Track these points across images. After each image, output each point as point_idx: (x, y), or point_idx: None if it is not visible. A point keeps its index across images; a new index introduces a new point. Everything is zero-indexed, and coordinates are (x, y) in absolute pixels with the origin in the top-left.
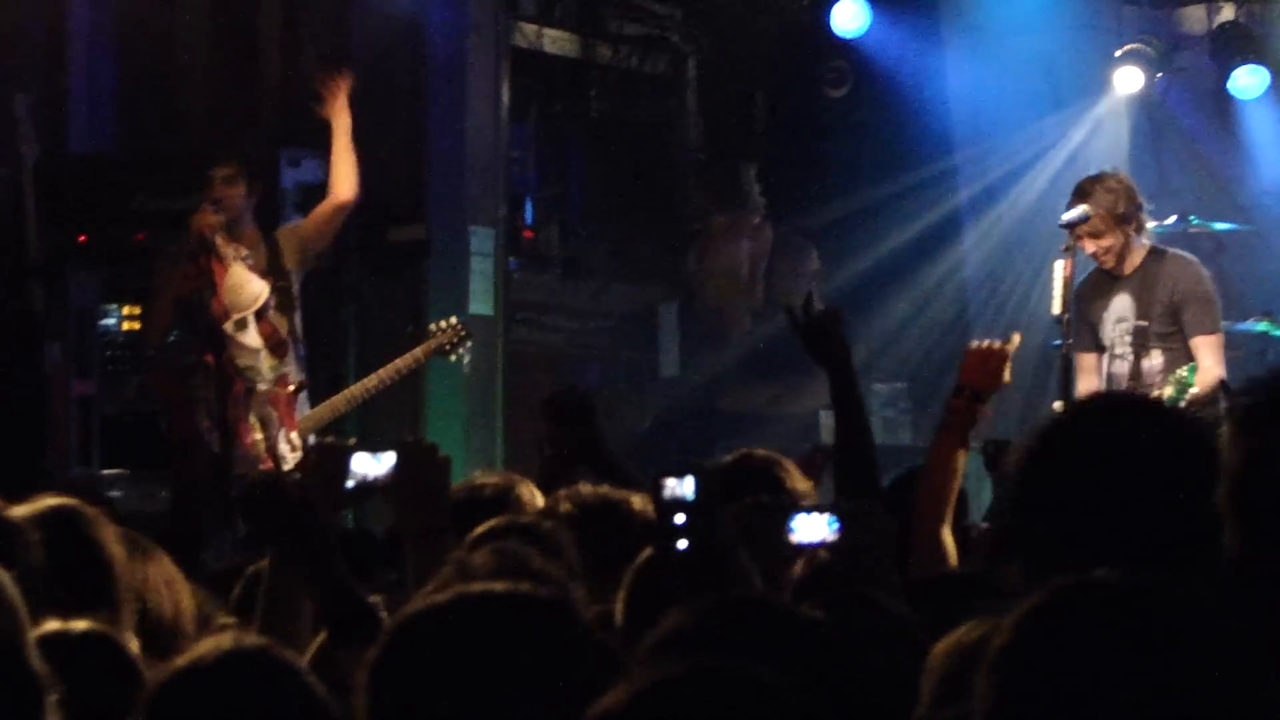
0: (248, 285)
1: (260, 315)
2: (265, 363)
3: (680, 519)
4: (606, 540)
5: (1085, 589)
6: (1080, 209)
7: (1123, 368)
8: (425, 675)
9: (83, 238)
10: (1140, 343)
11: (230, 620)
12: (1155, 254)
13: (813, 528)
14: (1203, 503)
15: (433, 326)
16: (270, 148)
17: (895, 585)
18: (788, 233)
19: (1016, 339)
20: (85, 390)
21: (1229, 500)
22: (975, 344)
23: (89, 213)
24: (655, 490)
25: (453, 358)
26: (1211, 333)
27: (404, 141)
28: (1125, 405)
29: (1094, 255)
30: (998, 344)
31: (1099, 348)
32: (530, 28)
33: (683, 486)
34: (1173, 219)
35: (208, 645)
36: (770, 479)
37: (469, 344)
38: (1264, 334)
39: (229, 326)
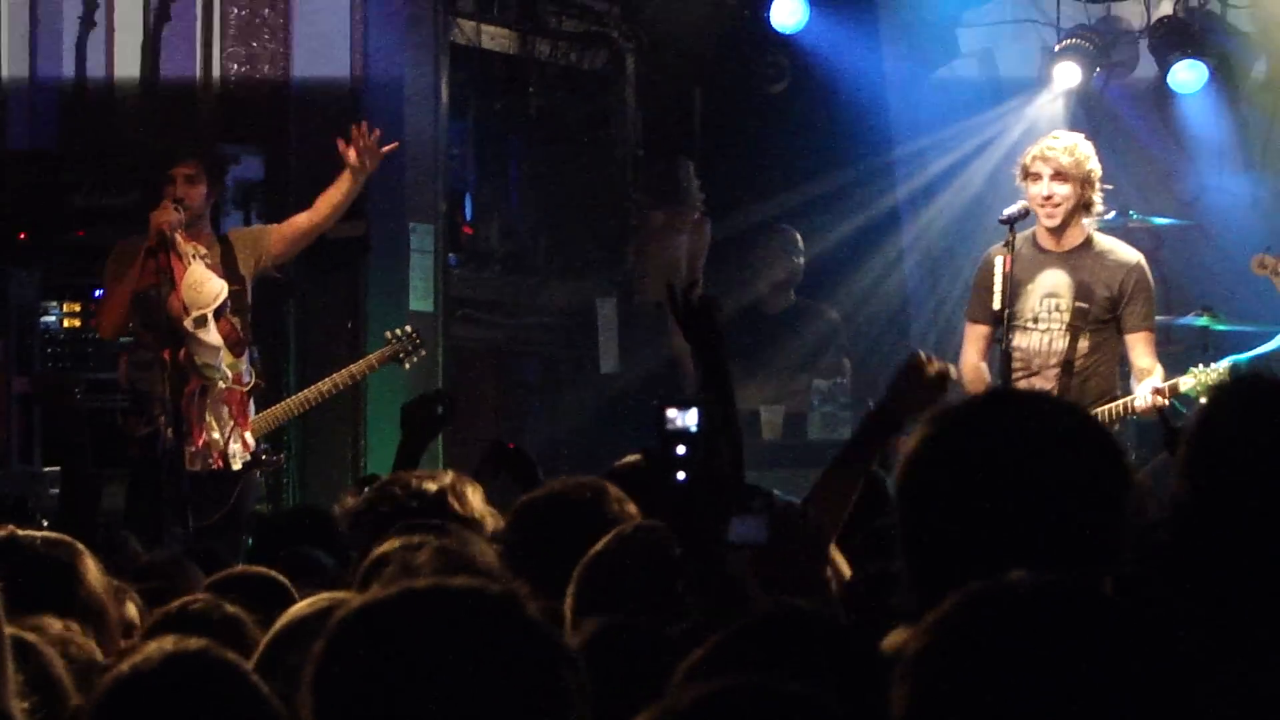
0: (207, 283)
1: (219, 314)
2: (225, 361)
3: (681, 450)
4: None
5: (1002, 591)
6: (1020, 204)
7: (1044, 343)
8: (372, 672)
9: (22, 235)
10: (1078, 324)
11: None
12: (1097, 239)
13: (747, 528)
14: (1098, 503)
15: (388, 334)
16: (210, 144)
17: (823, 586)
18: (735, 223)
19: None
20: (25, 388)
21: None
22: (922, 358)
23: (29, 210)
24: (658, 422)
25: (406, 365)
26: (1153, 329)
27: (343, 138)
28: (1013, 402)
29: (1043, 201)
30: (943, 367)
31: (995, 321)
32: (468, 24)
33: (685, 418)
34: (1112, 213)
35: (151, 648)
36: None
37: (422, 352)
38: (1204, 329)
39: (188, 323)
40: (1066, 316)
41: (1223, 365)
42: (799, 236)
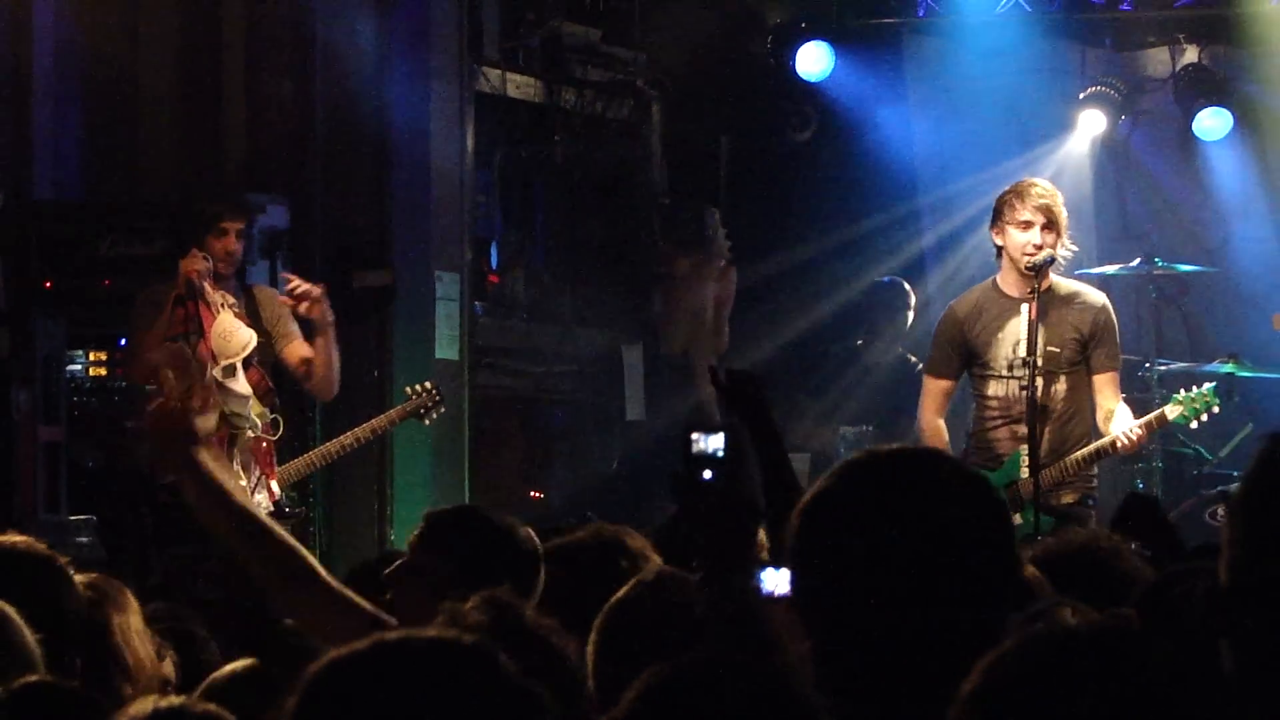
0: (236, 333)
1: (248, 363)
2: (254, 410)
3: (707, 474)
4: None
5: (1056, 637)
6: (1047, 252)
7: (1018, 390)
8: None
9: (48, 284)
10: (1051, 368)
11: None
12: (1059, 283)
13: (778, 581)
14: (985, 550)
15: (408, 390)
16: (238, 192)
17: None
18: (761, 271)
19: None
20: (52, 436)
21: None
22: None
23: (54, 259)
24: (684, 445)
25: (426, 421)
26: (1118, 369)
27: (369, 187)
28: (904, 458)
29: (1033, 250)
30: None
31: (955, 375)
32: (494, 72)
33: (711, 442)
34: (1137, 261)
35: (135, 709)
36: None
37: (443, 409)
38: (1229, 375)
39: (217, 373)
40: (1038, 362)
41: (1206, 388)
42: (909, 289)
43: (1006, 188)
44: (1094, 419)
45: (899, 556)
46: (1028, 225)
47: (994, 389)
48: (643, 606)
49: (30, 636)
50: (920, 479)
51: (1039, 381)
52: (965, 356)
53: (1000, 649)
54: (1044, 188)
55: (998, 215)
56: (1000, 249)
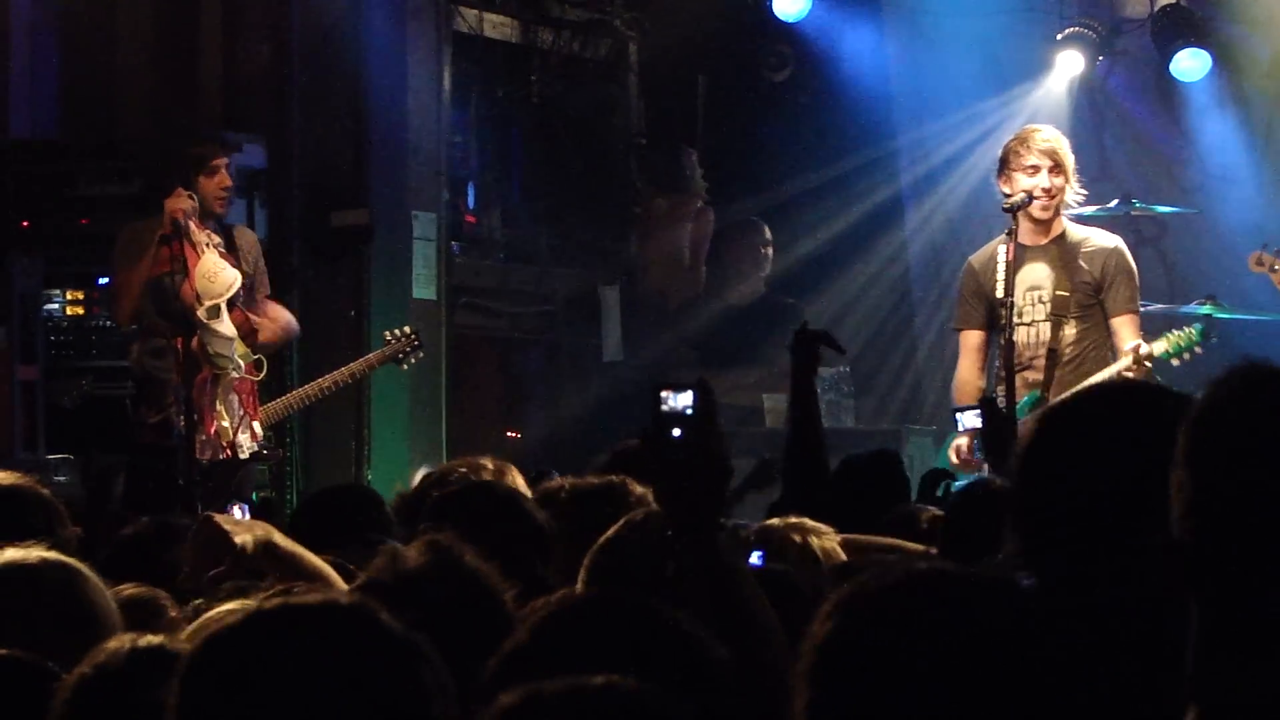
0: (221, 273)
1: (232, 304)
2: (238, 350)
3: (676, 432)
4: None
5: (900, 581)
6: (1022, 194)
7: (1030, 335)
8: (230, 702)
9: (25, 223)
10: (1060, 312)
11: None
12: (1070, 228)
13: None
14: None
15: (387, 334)
16: (211, 132)
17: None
18: (738, 211)
19: None
20: (29, 375)
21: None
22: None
23: (32, 198)
24: (654, 403)
25: (404, 366)
26: (1135, 312)
27: (345, 126)
28: (1127, 391)
29: (1041, 193)
30: None
31: (989, 325)
32: (471, 12)
33: (679, 399)
34: (1115, 202)
35: (110, 646)
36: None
37: (421, 354)
38: (1208, 316)
39: (201, 313)
40: (1048, 307)
41: (1193, 327)
42: (766, 228)
43: (1010, 137)
44: (1110, 363)
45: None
46: (1034, 170)
47: (1009, 334)
48: (630, 545)
49: (110, 598)
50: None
51: (1046, 326)
52: (989, 306)
53: (841, 593)
54: (1048, 132)
55: (1004, 164)
56: (1007, 197)
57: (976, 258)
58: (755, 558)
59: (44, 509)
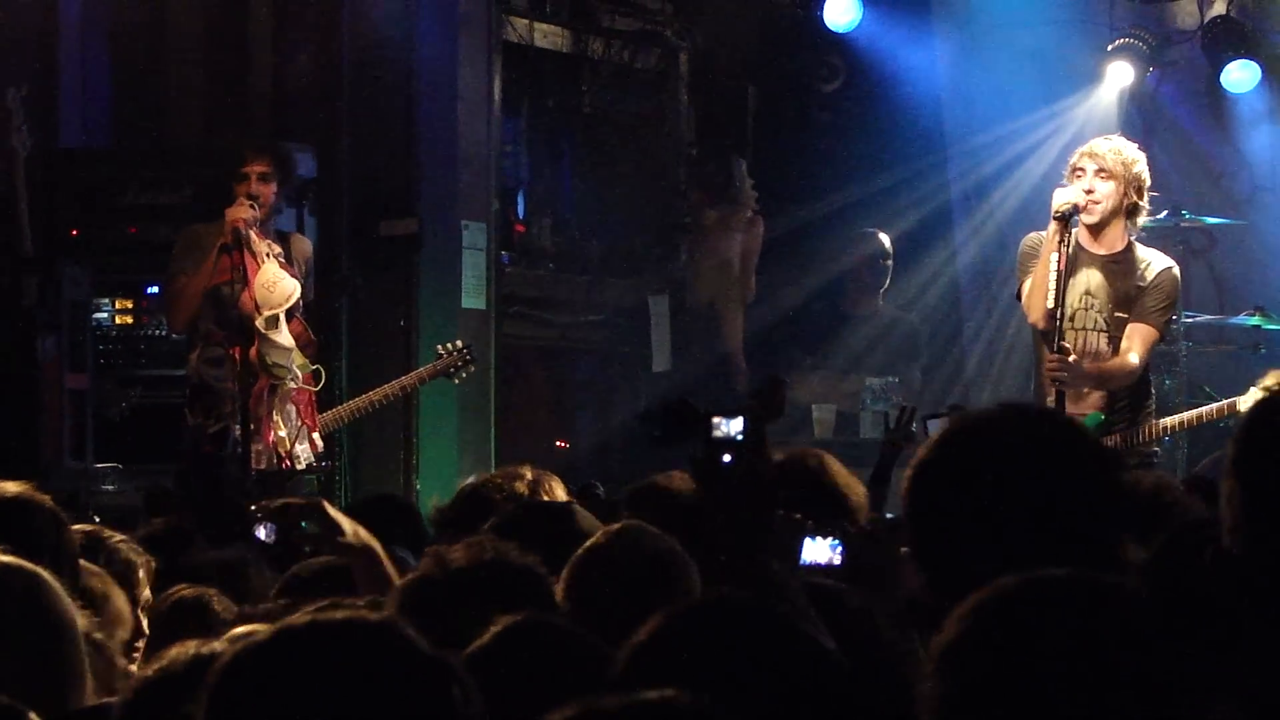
0: (280, 283)
1: (290, 314)
2: (296, 361)
3: (727, 458)
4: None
5: (1032, 585)
6: (1070, 204)
7: (1079, 342)
8: (254, 715)
9: (75, 232)
10: (1114, 332)
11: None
12: (1138, 249)
13: (818, 551)
14: (1092, 513)
15: (439, 349)
16: (267, 141)
17: (896, 608)
18: (788, 222)
19: None
20: (78, 384)
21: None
22: None
23: (81, 207)
24: (705, 429)
25: (456, 380)
26: (1156, 327)
27: (396, 136)
28: (1017, 415)
29: (1083, 195)
30: None
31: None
32: (521, 22)
33: (731, 426)
34: (1164, 213)
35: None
36: (816, 484)
37: (473, 368)
38: (1256, 328)
39: (260, 323)
40: (1101, 319)
41: None
42: (886, 240)
43: (1061, 147)
44: (1151, 385)
45: (1016, 516)
46: (1080, 173)
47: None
48: (609, 554)
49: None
50: (1014, 438)
51: (1097, 338)
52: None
53: (974, 599)
54: (1103, 139)
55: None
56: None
57: (1032, 239)
58: (834, 551)
59: (49, 518)
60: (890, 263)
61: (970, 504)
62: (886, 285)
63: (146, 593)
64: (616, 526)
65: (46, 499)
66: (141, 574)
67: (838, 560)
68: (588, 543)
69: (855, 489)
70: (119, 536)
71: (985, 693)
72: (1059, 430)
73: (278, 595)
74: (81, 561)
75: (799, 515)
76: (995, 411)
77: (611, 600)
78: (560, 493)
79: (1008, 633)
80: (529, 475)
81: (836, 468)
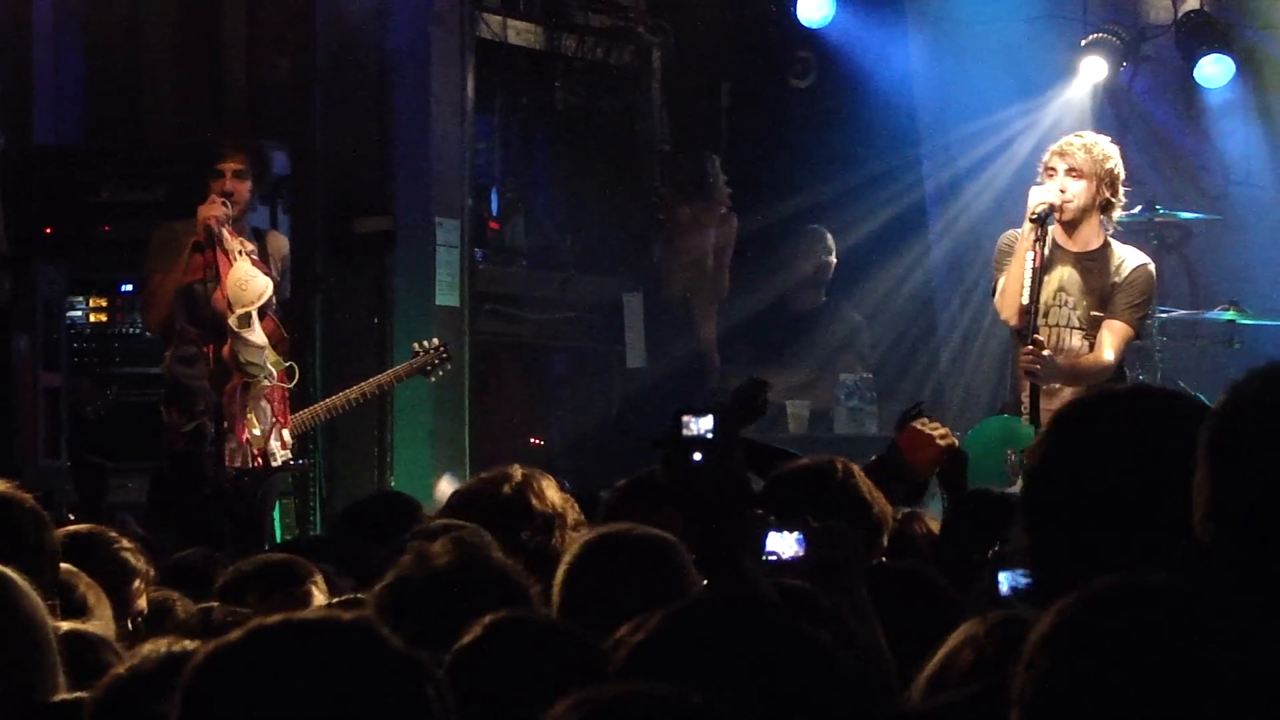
0: (252, 281)
1: (263, 312)
2: (269, 359)
3: (698, 456)
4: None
5: (1130, 587)
6: (1045, 205)
7: (1052, 338)
8: (227, 715)
9: (49, 230)
10: (1089, 329)
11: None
12: (1115, 246)
13: (782, 543)
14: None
15: (415, 346)
16: (241, 138)
17: (860, 600)
18: (761, 218)
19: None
20: (52, 382)
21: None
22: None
23: (55, 205)
24: (675, 427)
25: (432, 379)
26: (1130, 324)
27: (368, 133)
28: (1144, 394)
29: (1058, 195)
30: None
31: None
32: (495, 19)
33: (700, 424)
34: (1139, 208)
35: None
36: (843, 492)
37: (449, 366)
38: (1230, 322)
39: (233, 321)
40: (1075, 315)
41: None
42: (829, 235)
43: (1034, 143)
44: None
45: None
46: (1051, 172)
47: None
48: (595, 559)
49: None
50: (1171, 422)
51: (1071, 335)
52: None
53: (1075, 595)
54: (1074, 136)
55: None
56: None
57: (1008, 236)
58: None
59: (30, 517)
60: (833, 259)
61: (1092, 480)
62: (829, 279)
63: (141, 603)
64: (614, 529)
65: (28, 497)
66: (137, 583)
67: (801, 552)
68: (584, 540)
69: (880, 501)
70: (124, 542)
71: (1079, 690)
72: (1195, 413)
73: (220, 593)
74: (75, 570)
75: (760, 510)
76: (1127, 391)
77: (610, 599)
78: (552, 492)
79: (1100, 635)
80: (519, 475)
81: (862, 477)
